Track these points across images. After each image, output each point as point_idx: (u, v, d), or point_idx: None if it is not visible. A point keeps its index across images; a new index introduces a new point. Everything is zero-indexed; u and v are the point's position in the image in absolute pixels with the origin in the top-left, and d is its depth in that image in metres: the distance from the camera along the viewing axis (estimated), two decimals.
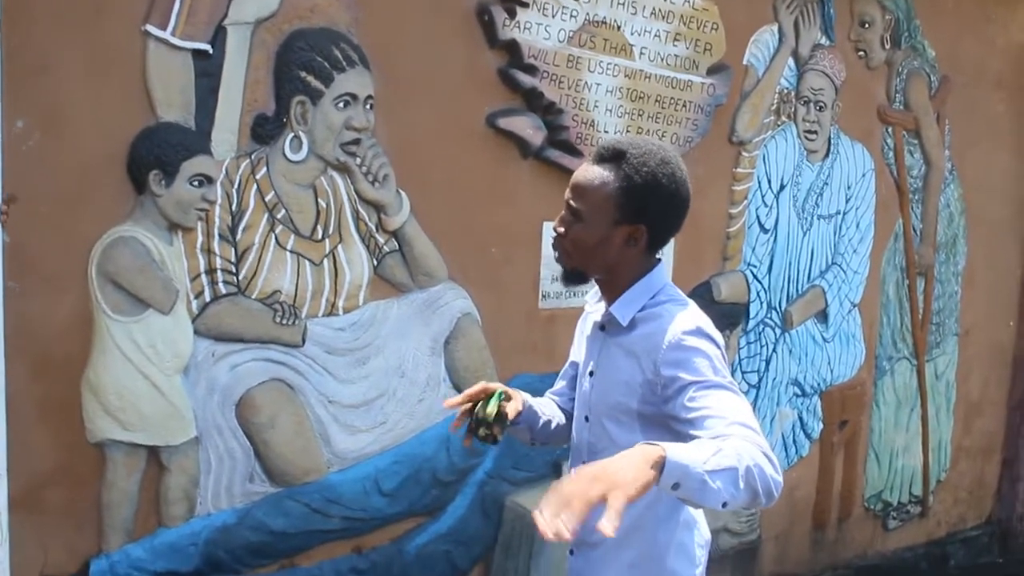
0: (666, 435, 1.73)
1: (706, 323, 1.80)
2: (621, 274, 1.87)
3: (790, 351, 4.19)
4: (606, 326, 1.92)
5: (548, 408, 2.17)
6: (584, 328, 2.08)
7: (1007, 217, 5.08)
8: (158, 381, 2.65)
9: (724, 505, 1.49)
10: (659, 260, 1.92)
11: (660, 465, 1.42)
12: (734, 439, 1.55)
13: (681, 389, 1.71)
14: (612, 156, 1.82)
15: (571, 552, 2.02)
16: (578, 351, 2.09)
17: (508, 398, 1.96)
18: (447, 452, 3.22)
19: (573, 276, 1.91)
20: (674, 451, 1.45)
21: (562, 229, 1.87)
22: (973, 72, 4.72)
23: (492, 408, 1.92)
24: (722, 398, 1.67)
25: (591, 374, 1.96)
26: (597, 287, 1.99)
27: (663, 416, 1.77)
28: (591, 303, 2.03)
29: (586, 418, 1.97)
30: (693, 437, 1.63)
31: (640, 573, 1.91)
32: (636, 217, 1.81)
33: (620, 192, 1.79)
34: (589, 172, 1.84)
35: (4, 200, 2.17)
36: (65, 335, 2.53)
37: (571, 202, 1.84)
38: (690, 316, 1.80)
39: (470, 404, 1.97)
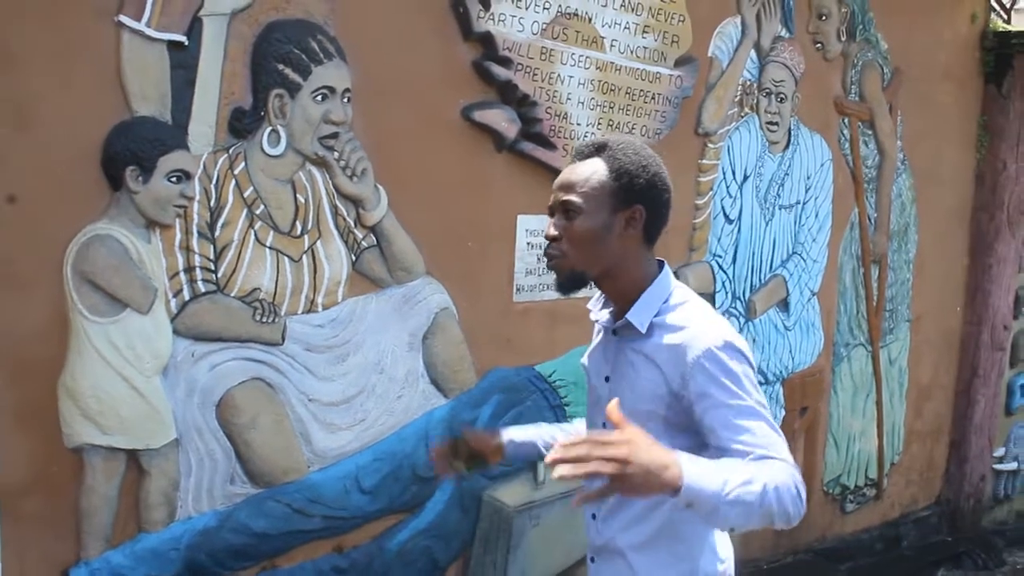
0: (692, 440, 1.75)
1: (733, 335, 1.77)
2: (623, 269, 1.85)
3: (754, 340, 4.25)
4: (619, 331, 1.89)
5: (558, 433, 2.19)
6: (597, 338, 2.04)
7: (955, 207, 5.22)
8: (137, 383, 2.58)
9: (732, 529, 1.55)
10: (663, 262, 1.91)
11: (677, 488, 1.47)
12: (769, 469, 1.58)
13: (709, 409, 1.70)
14: (595, 149, 1.85)
15: (591, 560, 2.01)
16: (591, 357, 2.04)
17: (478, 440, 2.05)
18: (426, 447, 3.19)
19: (571, 280, 1.86)
20: (695, 476, 1.48)
21: (556, 232, 1.84)
22: (923, 65, 4.84)
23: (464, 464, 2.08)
24: (753, 426, 1.67)
25: (607, 379, 1.93)
26: (599, 293, 1.96)
27: (690, 423, 1.76)
28: (595, 310, 2.00)
29: (604, 424, 1.94)
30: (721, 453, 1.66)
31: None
32: (631, 199, 1.81)
33: (612, 177, 1.81)
34: (578, 168, 1.85)
35: None
36: (40, 338, 2.44)
37: (564, 200, 1.82)
38: (716, 328, 1.77)
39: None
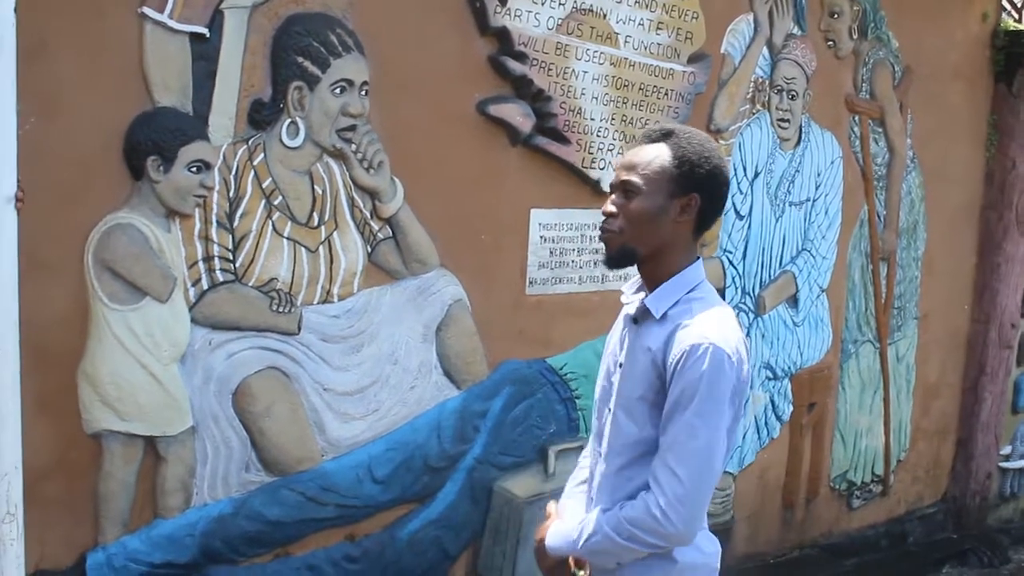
0: None
1: (723, 337, 1.82)
2: (669, 254, 1.91)
3: (763, 335, 4.27)
4: (638, 319, 1.95)
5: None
6: (618, 324, 2.10)
7: (963, 205, 5.24)
8: (155, 370, 2.61)
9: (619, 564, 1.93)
10: (699, 257, 1.96)
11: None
12: (626, 512, 1.86)
13: (671, 408, 1.83)
14: (661, 135, 1.91)
15: None
16: (608, 347, 2.11)
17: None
18: (438, 438, 3.23)
19: (622, 255, 1.92)
20: (552, 538, 2.01)
21: (614, 209, 1.91)
22: (933, 64, 4.85)
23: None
24: (679, 434, 1.80)
25: (620, 366, 1.99)
26: (637, 276, 2.01)
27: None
28: (627, 294, 2.05)
29: (609, 408, 2.00)
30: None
31: None
32: (689, 186, 1.87)
33: (674, 163, 1.88)
34: (643, 150, 1.91)
35: (19, 186, 2.11)
36: (61, 325, 2.48)
37: (626, 180, 1.89)
38: (710, 325, 1.83)
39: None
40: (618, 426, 1.96)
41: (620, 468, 1.95)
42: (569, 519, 2.03)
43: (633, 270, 2.00)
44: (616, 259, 1.93)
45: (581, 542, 1.92)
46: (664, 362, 1.84)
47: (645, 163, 1.89)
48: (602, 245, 1.96)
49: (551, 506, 2.16)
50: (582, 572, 2.01)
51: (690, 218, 1.89)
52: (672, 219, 1.88)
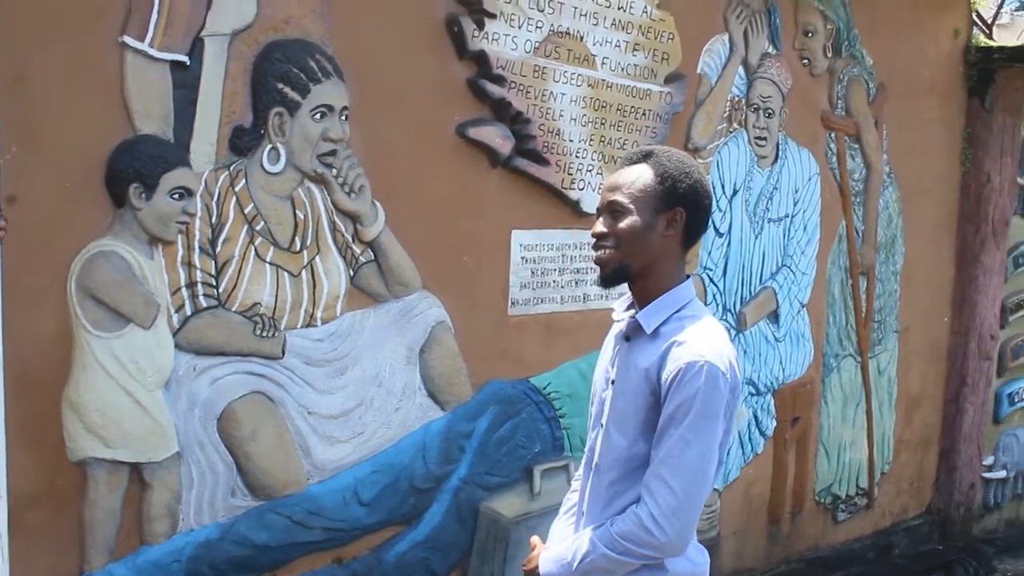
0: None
1: (718, 354, 1.87)
2: (660, 269, 1.95)
3: (744, 351, 4.31)
4: (630, 336, 2.00)
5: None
6: (609, 342, 2.14)
7: (941, 218, 5.31)
8: (140, 397, 2.62)
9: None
10: (688, 276, 2.01)
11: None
12: (617, 527, 1.90)
13: (665, 423, 1.87)
14: (642, 156, 1.98)
15: None
16: (601, 364, 2.15)
17: None
18: (423, 460, 3.24)
19: (616, 273, 1.97)
20: (546, 564, 2.02)
21: (604, 229, 1.96)
22: (907, 80, 4.93)
23: None
24: (673, 448, 1.85)
25: (612, 383, 2.02)
26: (628, 294, 2.05)
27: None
28: (619, 311, 2.09)
29: (601, 424, 2.03)
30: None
31: None
32: (673, 202, 1.93)
33: (657, 180, 1.94)
34: (626, 172, 1.98)
35: (1, 215, 2.12)
36: (45, 353, 2.48)
37: (613, 200, 1.95)
38: (705, 342, 1.87)
39: None
40: (610, 441, 2.00)
41: (611, 483, 1.99)
42: (560, 544, 2.06)
43: (618, 290, 2.06)
44: (611, 278, 1.98)
45: (576, 563, 1.95)
46: (658, 379, 1.88)
47: (629, 183, 1.94)
48: (585, 266, 2.01)
49: (535, 539, 2.19)
50: None
51: (677, 232, 1.94)
52: (660, 234, 1.93)
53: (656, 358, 1.89)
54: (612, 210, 1.95)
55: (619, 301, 2.11)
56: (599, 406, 2.07)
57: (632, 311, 2.02)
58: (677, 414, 1.84)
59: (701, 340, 1.87)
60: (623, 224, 1.93)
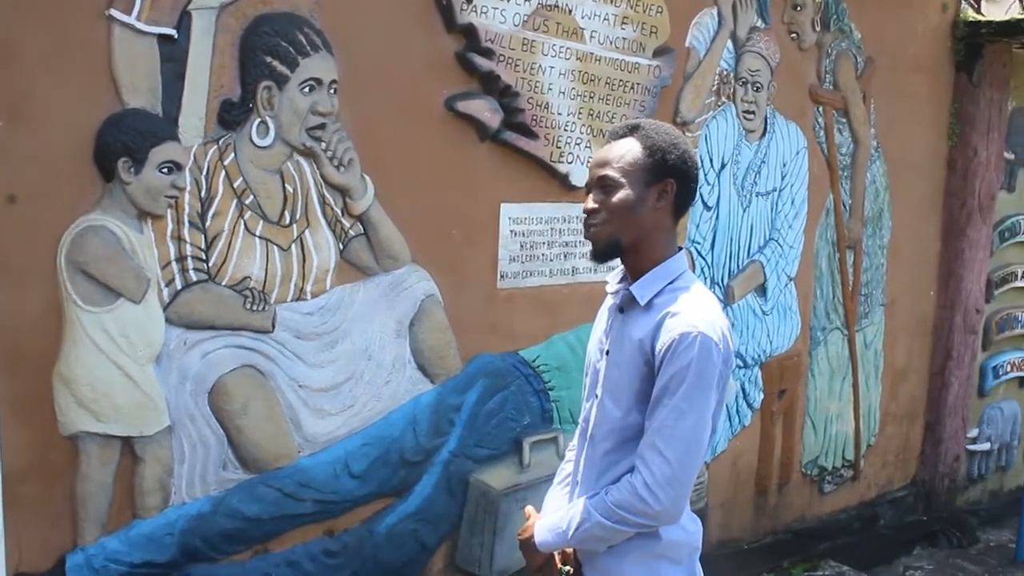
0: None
1: (711, 325, 1.89)
2: (652, 241, 1.96)
3: (732, 324, 4.33)
4: (624, 308, 2.01)
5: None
6: (603, 314, 2.15)
7: (927, 193, 5.33)
8: (131, 371, 2.63)
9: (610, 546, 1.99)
10: (680, 248, 2.02)
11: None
12: (611, 496, 1.92)
13: (659, 393, 1.89)
14: (629, 130, 1.99)
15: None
16: (595, 335, 2.16)
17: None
18: (413, 432, 3.26)
19: (608, 247, 1.98)
20: (541, 534, 2.05)
21: (595, 205, 1.96)
22: (895, 54, 4.93)
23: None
24: (667, 418, 1.86)
25: (607, 353, 2.04)
26: (621, 266, 2.06)
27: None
28: (612, 284, 2.10)
29: (596, 394, 2.05)
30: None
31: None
32: (662, 173, 1.94)
33: (645, 153, 1.95)
34: (614, 146, 1.98)
35: None
36: (35, 328, 2.49)
37: (603, 175, 1.95)
38: (698, 314, 1.89)
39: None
40: (604, 411, 2.02)
41: (605, 452, 2.01)
42: (555, 513, 2.08)
43: (609, 264, 2.06)
44: (603, 252, 1.99)
45: (571, 532, 1.98)
46: (652, 349, 1.90)
47: (618, 157, 1.95)
48: (574, 239, 2.02)
49: (529, 508, 2.22)
50: (568, 568, 2.07)
51: (667, 203, 1.96)
52: (651, 206, 1.94)
53: (650, 329, 1.91)
54: (603, 185, 1.95)
55: (612, 274, 2.12)
56: (593, 376, 2.09)
57: (625, 283, 2.03)
58: (671, 384, 1.86)
59: (695, 311, 1.89)
60: (615, 198, 1.94)
